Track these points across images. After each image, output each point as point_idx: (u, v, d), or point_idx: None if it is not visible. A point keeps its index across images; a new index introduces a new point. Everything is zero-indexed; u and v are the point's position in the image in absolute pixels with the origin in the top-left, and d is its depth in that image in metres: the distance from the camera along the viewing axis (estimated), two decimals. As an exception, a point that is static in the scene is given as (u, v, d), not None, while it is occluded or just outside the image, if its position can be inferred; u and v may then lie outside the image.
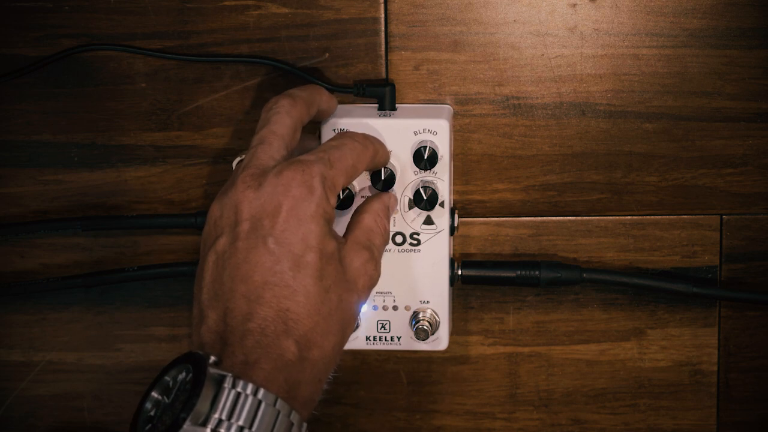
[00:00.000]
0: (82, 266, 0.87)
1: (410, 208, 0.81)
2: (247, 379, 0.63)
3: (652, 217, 0.86)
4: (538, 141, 0.85)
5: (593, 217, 0.86)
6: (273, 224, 0.68)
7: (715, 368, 0.89)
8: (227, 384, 0.62)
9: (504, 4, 0.82)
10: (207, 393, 0.62)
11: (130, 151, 0.85)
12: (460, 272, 0.85)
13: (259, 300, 0.66)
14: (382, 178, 0.79)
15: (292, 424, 0.63)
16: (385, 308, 0.83)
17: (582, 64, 0.83)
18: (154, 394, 0.64)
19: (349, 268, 0.70)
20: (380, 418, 0.90)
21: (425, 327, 0.82)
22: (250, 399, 0.62)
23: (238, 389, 0.62)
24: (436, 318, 0.83)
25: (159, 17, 0.83)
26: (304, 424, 0.65)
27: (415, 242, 0.81)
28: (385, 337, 0.83)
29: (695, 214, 0.86)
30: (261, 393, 0.63)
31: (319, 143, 0.78)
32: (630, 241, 0.86)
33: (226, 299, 0.67)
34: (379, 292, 0.83)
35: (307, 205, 0.68)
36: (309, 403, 0.66)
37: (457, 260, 0.85)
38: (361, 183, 0.81)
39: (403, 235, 0.81)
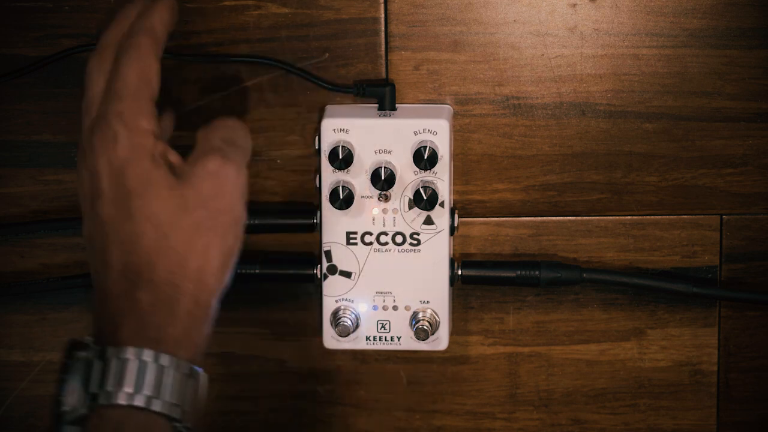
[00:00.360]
0: (82, 266, 0.87)
1: (410, 208, 0.81)
2: (113, 344, 0.64)
3: (652, 217, 0.86)
4: (538, 141, 0.85)
5: (593, 217, 0.86)
6: (98, 187, 0.67)
7: (715, 368, 0.89)
8: (94, 356, 0.64)
9: (504, 4, 0.82)
10: (77, 373, 0.64)
11: (130, 151, 0.85)
12: (460, 272, 0.84)
13: (106, 267, 0.67)
14: (383, 177, 0.79)
15: (163, 366, 0.64)
16: (385, 308, 0.83)
17: (582, 64, 0.83)
18: (60, 398, 0.65)
19: (193, 185, 0.67)
20: (380, 418, 0.90)
21: (425, 327, 0.82)
22: (113, 362, 0.63)
23: (106, 357, 0.63)
24: (436, 318, 0.83)
25: (159, 17, 0.83)
26: (183, 363, 0.65)
27: (415, 242, 0.81)
28: (385, 337, 0.83)
29: (695, 214, 0.86)
30: (122, 351, 0.63)
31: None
32: (630, 241, 0.86)
33: (94, 274, 0.69)
34: (379, 292, 0.83)
35: (116, 154, 0.66)
36: (188, 341, 0.66)
37: (457, 260, 0.85)
38: (361, 183, 0.81)
39: (403, 235, 0.81)
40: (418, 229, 0.81)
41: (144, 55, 0.69)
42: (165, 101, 0.84)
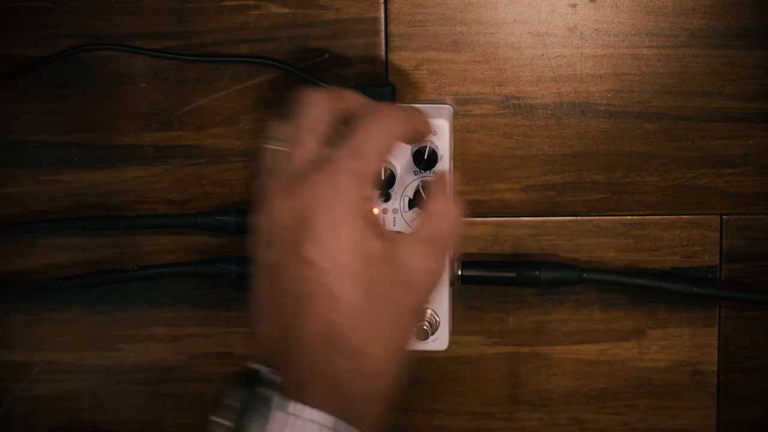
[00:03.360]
0: (82, 266, 0.87)
1: (410, 208, 0.81)
2: (297, 400, 0.61)
3: (652, 217, 0.86)
4: (538, 141, 0.85)
5: (593, 217, 0.86)
6: (307, 232, 0.63)
7: (715, 368, 0.89)
8: (274, 405, 0.61)
9: (504, 4, 0.82)
10: (255, 413, 0.61)
11: (130, 151, 0.85)
12: (460, 272, 0.84)
13: (302, 313, 0.63)
14: (383, 177, 0.79)
15: None
16: (385, 308, 0.83)
17: (582, 64, 0.83)
18: (216, 418, 0.63)
19: (405, 267, 0.64)
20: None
21: (425, 327, 0.82)
22: (299, 421, 0.61)
23: (288, 410, 0.61)
24: (436, 318, 0.83)
25: (159, 17, 0.83)
26: None
27: (415, 242, 0.81)
28: (385, 337, 0.83)
29: (695, 214, 0.86)
30: (310, 413, 0.61)
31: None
32: (630, 241, 0.86)
33: (275, 311, 0.64)
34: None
35: (338, 207, 0.63)
36: (369, 416, 0.63)
37: (457, 260, 0.85)
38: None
39: (403, 235, 0.81)
40: (418, 229, 0.81)
41: (393, 130, 0.65)
42: (165, 101, 0.84)
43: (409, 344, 0.65)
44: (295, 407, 0.61)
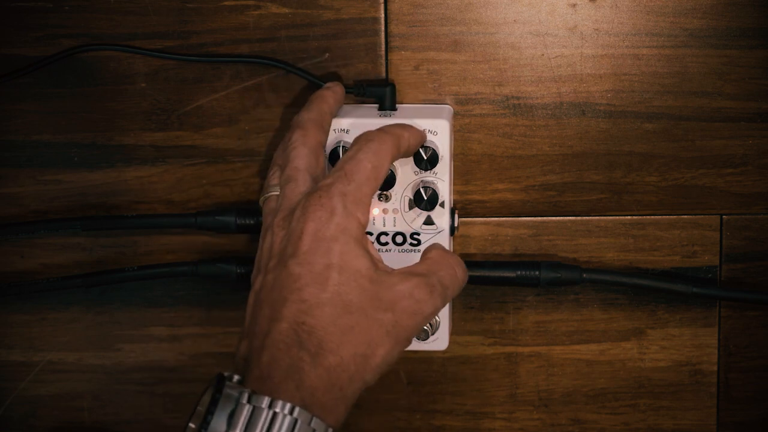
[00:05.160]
0: (82, 266, 0.87)
1: (410, 208, 0.81)
2: (262, 393, 0.64)
3: (652, 217, 0.86)
4: (538, 141, 0.85)
5: (593, 217, 0.86)
6: (296, 248, 0.69)
7: (715, 368, 0.89)
8: (243, 400, 0.63)
9: (504, 4, 0.82)
10: (223, 411, 0.63)
11: (130, 151, 0.85)
12: (460, 272, 0.85)
13: (277, 317, 0.67)
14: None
15: (314, 430, 0.64)
16: (385, 308, 0.83)
17: (582, 64, 0.83)
18: (191, 425, 0.65)
19: (390, 288, 0.69)
20: (380, 418, 0.90)
21: (425, 327, 0.82)
22: (265, 412, 0.63)
23: (254, 404, 0.63)
24: (436, 318, 0.83)
25: (159, 17, 0.83)
26: (329, 429, 0.64)
27: (415, 242, 0.81)
28: (385, 337, 0.83)
29: (695, 214, 0.86)
30: (276, 404, 0.63)
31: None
32: (630, 241, 0.86)
33: (253, 325, 0.68)
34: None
35: (328, 226, 0.69)
36: (332, 409, 0.65)
37: (457, 260, 0.85)
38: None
39: (404, 236, 0.81)
40: (418, 230, 0.81)
41: (385, 153, 0.73)
42: (165, 101, 0.84)
43: (384, 359, 0.68)
44: (260, 399, 0.63)
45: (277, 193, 0.74)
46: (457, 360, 0.89)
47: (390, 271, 0.70)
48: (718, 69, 0.83)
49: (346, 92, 0.82)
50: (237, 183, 0.86)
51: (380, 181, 0.72)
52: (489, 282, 0.86)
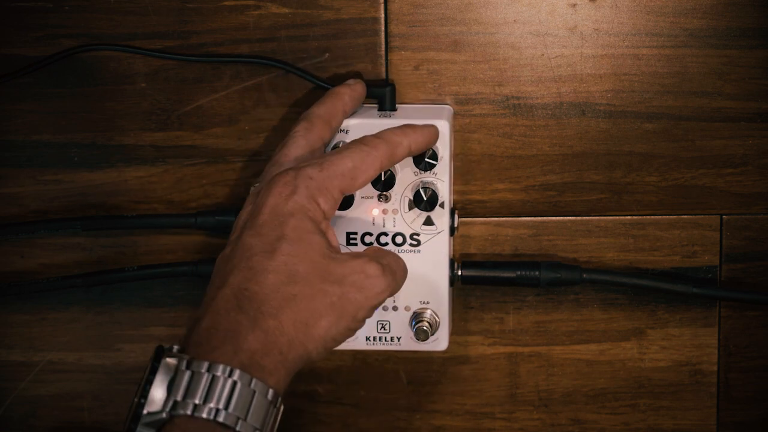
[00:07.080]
0: (82, 266, 0.87)
1: (410, 208, 0.81)
2: (201, 358, 0.64)
3: (652, 217, 0.86)
4: (538, 141, 0.85)
5: (593, 217, 0.86)
6: (254, 221, 0.70)
7: (715, 368, 0.89)
8: (183, 366, 0.64)
9: (504, 4, 0.82)
10: (162, 379, 0.64)
11: (130, 151, 0.85)
12: (460, 272, 0.84)
13: (223, 284, 0.68)
14: (382, 178, 0.79)
15: (254, 391, 0.64)
16: (385, 308, 0.83)
17: (582, 64, 0.83)
18: (135, 399, 0.65)
19: (341, 263, 0.70)
20: (380, 418, 0.90)
21: (425, 328, 0.82)
22: (204, 376, 0.64)
23: (193, 369, 0.64)
24: (436, 318, 0.83)
25: (159, 17, 0.83)
26: (270, 390, 0.65)
27: (415, 243, 0.81)
28: (385, 338, 0.83)
29: (695, 214, 0.86)
30: (215, 368, 0.64)
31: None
32: (630, 241, 0.86)
33: (205, 300, 0.69)
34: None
35: (287, 202, 0.70)
36: (272, 372, 0.66)
37: (457, 260, 0.85)
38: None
39: (403, 236, 0.81)
40: (418, 230, 0.81)
41: (371, 159, 0.73)
42: (165, 101, 0.84)
43: (327, 331, 0.69)
44: (199, 365, 0.64)
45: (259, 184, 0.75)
46: (457, 360, 0.89)
47: (342, 251, 0.72)
48: (718, 69, 0.83)
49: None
50: (237, 183, 0.86)
51: (357, 183, 0.73)
52: (489, 282, 0.86)
